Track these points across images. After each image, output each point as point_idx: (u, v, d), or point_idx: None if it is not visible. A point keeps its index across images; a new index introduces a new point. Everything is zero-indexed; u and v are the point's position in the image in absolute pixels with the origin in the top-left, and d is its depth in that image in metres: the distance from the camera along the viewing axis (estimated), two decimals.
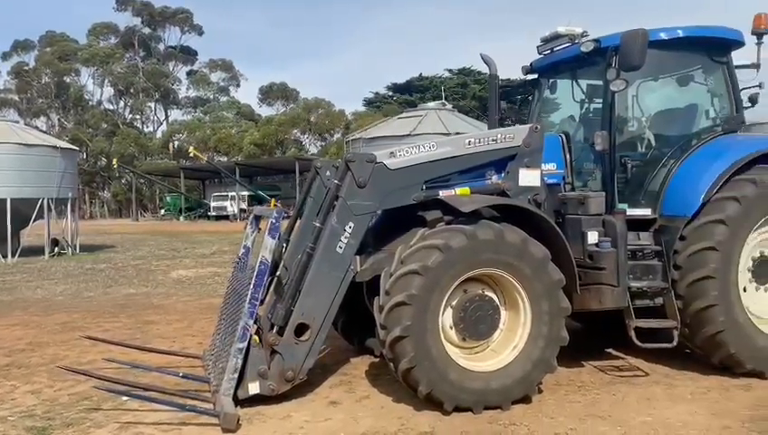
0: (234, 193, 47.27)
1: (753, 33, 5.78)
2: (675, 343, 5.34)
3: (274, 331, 4.85)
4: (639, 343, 5.26)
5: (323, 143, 61.79)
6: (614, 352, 6.34)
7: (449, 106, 22.54)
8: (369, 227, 5.45)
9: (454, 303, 4.83)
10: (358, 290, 5.57)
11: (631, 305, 5.33)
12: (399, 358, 4.57)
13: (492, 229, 4.72)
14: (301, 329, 4.85)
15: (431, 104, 22.99)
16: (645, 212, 5.68)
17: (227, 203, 47.90)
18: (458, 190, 5.29)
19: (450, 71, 55.62)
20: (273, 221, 4.88)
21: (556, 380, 5.36)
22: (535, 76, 6.84)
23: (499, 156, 5.46)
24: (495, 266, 4.75)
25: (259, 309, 5.32)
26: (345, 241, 4.95)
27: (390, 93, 57.88)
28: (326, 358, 6.32)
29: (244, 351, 4.71)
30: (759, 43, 5.80)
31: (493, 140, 5.44)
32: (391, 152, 5.17)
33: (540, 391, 5.02)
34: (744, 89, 5.96)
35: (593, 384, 5.37)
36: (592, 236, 5.30)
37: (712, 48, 5.87)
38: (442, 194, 5.19)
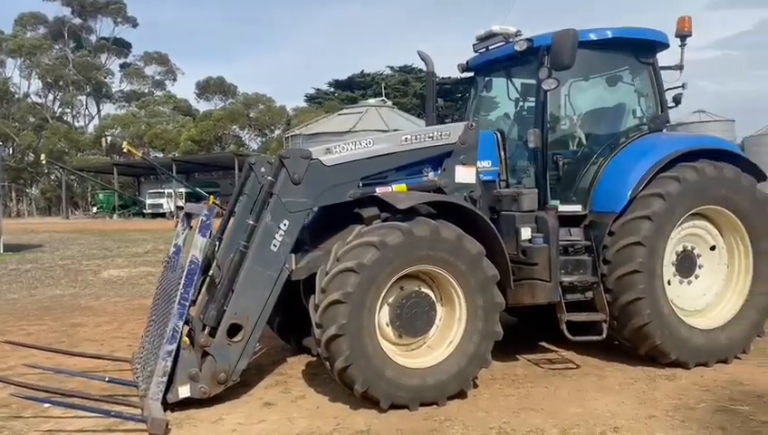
0: (170, 190, 46.00)
1: (677, 36, 6.01)
2: (604, 336, 5.50)
3: (206, 332, 4.71)
4: (571, 337, 5.39)
5: (264, 139, 60.94)
6: (547, 346, 6.48)
7: (390, 103, 22.60)
8: (305, 224, 5.37)
9: (390, 300, 4.81)
10: (294, 289, 5.49)
11: (563, 300, 5.45)
12: (335, 357, 4.52)
13: (428, 226, 4.72)
14: (234, 329, 4.73)
15: (372, 101, 22.99)
16: (576, 208, 5.82)
17: (164, 200, 46.53)
18: (395, 187, 5.28)
19: (392, 68, 55.81)
20: (204, 219, 4.74)
21: (491, 374, 5.43)
22: (471, 74, 6.91)
23: (435, 153, 5.48)
24: (431, 263, 4.76)
25: (191, 309, 5.17)
26: (280, 239, 4.85)
27: (332, 90, 57.56)
28: (262, 358, 6.22)
29: (173, 353, 4.55)
30: (682, 46, 6.03)
31: (429, 137, 5.45)
32: (327, 148, 5.11)
33: (475, 386, 5.07)
34: (668, 89, 6.20)
35: (527, 377, 5.47)
36: (525, 232, 5.39)
37: (639, 49, 6.06)
38: (378, 191, 5.17)
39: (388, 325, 4.83)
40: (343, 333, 4.44)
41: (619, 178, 5.66)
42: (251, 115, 60.62)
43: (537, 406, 4.74)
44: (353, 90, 53.93)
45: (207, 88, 68.62)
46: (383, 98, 23.87)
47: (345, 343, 4.45)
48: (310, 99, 59.35)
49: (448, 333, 4.93)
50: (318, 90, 58.83)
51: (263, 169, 5.39)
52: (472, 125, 5.56)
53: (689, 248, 5.96)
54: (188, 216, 5.53)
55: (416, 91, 50.96)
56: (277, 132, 57.83)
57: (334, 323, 4.46)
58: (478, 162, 5.67)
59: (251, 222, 4.88)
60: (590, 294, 5.65)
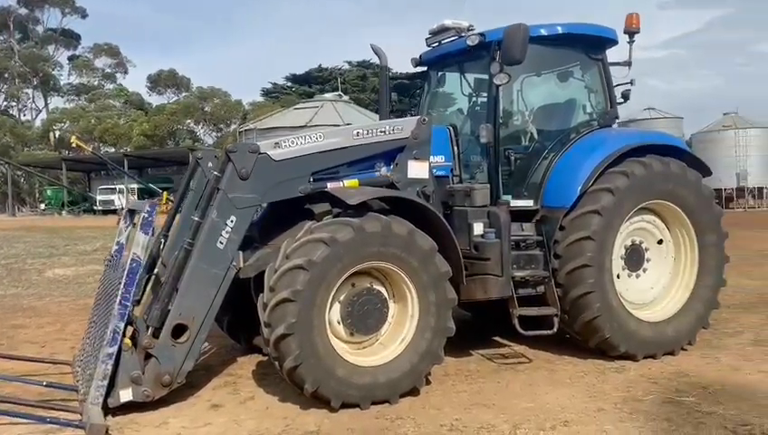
0: (122, 186, 44.82)
1: (625, 32, 6.08)
2: (555, 330, 5.54)
3: (149, 333, 4.53)
4: (522, 331, 5.41)
5: (219, 134, 59.88)
6: (500, 340, 6.50)
7: (346, 98, 22.44)
8: (254, 221, 5.25)
9: (341, 297, 4.73)
10: (244, 287, 5.35)
11: (515, 294, 5.46)
12: (284, 356, 4.41)
13: (379, 222, 4.65)
14: (178, 330, 4.57)
15: (328, 95, 22.80)
16: (527, 203, 5.84)
17: (115, 197, 45.35)
18: (347, 182, 5.19)
19: (350, 63, 55.56)
20: (146, 215, 4.56)
21: (444, 370, 5.41)
22: (425, 69, 6.86)
23: (388, 148, 5.42)
24: (383, 259, 4.69)
25: (135, 310, 4.98)
26: (226, 236, 4.70)
27: (289, 84, 56.97)
28: (211, 358, 6.06)
29: (114, 356, 4.37)
30: (631, 42, 6.11)
31: (381, 132, 5.38)
32: (276, 143, 4.98)
33: (428, 382, 5.03)
34: (617, 85, 6.27)
35: (480, 373, 5.46)
36: (478, 228, 5.37)
37: (589, 45, 6.12)
38: (330, 186, 5.06)
39: (339, 323, 4.75)
40: (292, 333, 4.34)
41: (569, 174, 5.70)
42: (206, 109, 59.48)
43: (489, 401, 4.73)
44: (311, 84, 53.50)
45: (159, 81, 67.00)
46: (339, 93, 23.68)
47: (294, 342, 4.35)
48: (266, 93, 58.62)
49: (401, 330, 4.88)
50: (275, 84, 58.16)
51: (210, 164, 5.23)
52: (425, 120, 5.51)
53: (637, 242, 6.05)
54: (131, 212, 5.32)
55: (374, 87, 50.77)
56: (233, 127, 56.91)
57: (283, 323, 4.35)
58: (431, 157, 5.63)
59: (196, 219, 4.71)
60: (541, 289, 5.68)
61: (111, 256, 5.42)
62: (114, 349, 4.37)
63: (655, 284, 6.13)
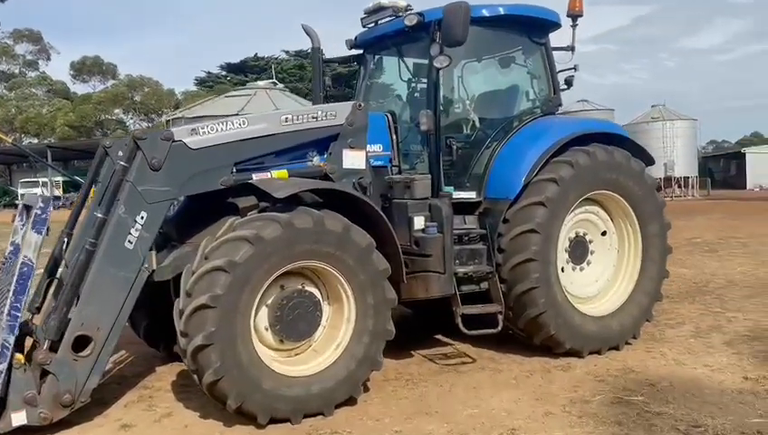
0: (46, 179, 42.38)
1: (568, 16, 5.84)
2: (500, 328, 5.26)
3: (45, 346, 3.95)
4: (466, 331, 5.10)
5: (150, 124, 57.55)
6: (443, 338, 6.20)
7: (281, 86, 21.73)
8: (170, 216, 4.72)
9: (269, 301, 4.27)
10: (164, 289, 4.81)
11: (458, 292, 5.14)
12: (203, 369, 3.92)
13: (310, 217, 4.21)
14: (81, 342, 4.00)
15: (261, 83, 22.01)
16: (470, 195, 5.53)
17: (38, 190, 42.78)
18: (275, 173, 4.72)
19: (287, 52, 54.34)
20: (39, 212, 3.97)
21: (384, 375, 5.04)
22: (360, 51, 6.44)
23: (320, 135, 4.97)
24: (315, 258, 4.26)
25: (35, 319, 4.39)
26: (136, 234, 4.16)
27: (224, 73, 55.27)
28: (126, 369, 5.50)
29: (4, 374, 3.78)
30: (574, 26, 5.88)
31: (313, 118, 4.93)
32: (193, 129, 4.45)
33: (366, 390, 4.65)
34: (560, 71, 6.04)
35: (421, 376, 5.12)
36: (419, 222, 5.01)
37: (531, 29, 5.84)
38: (255, 178, 4.58)
39: (267, 330, 4.29)
40: (212, 343, 3.86)
41: (512, 164, 5.42)
42: (135, 99, 57.05)
43: (431, 409, 4.39)
44: (246, 73, 52.02)
45: (84, 68, 63.72)
46: (273, 80, 22.90)
47: (214, 353, 3.87)
48: (200, 82, 56.66)
49: (336, 335, 4.47)
50: (209, 73, 56.29)
51: (120, 154, 4.64)
52: (360, 105, 5.09)
53: (582, 234, 5.85)
54: (27, 208, 4.68)
55: (311, 77, 49.90)
56: (165, 117, 54.84)
57: (201, 332, 3.86)
58: (368, 146, 5.24)
59: (100, 215, 4.15)
60: (485, 285, 5.39)
61: (6, 259, 4.76)
62: (3, 366, 3.79)
63: (599, 277, 5.95)
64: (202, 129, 4.46)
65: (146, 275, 4.24)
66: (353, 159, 5.04)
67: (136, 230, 4.16)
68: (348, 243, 4.32)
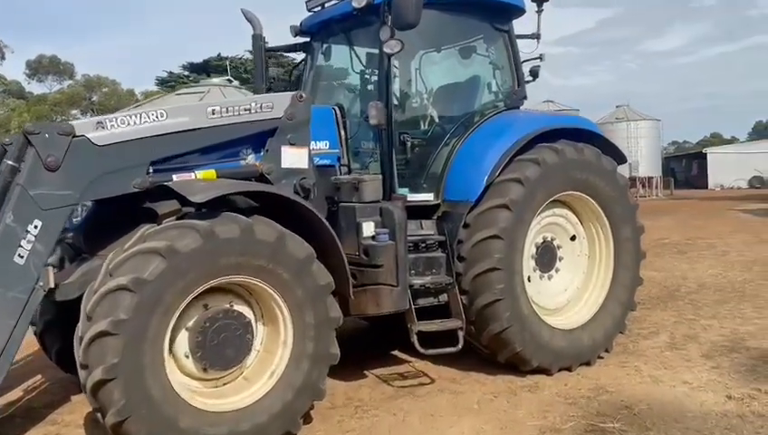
0: None
1: (533, 0, 5.35)
2: (460, 346, 4.72)
3: None
4: (423, 350, 4.55)
5: None
6: (400, 355, 5.64)
7: (236, 83, 20.89)
8: (80, 224, 4.07)
9: (190, 324, 3.65)
10: (78, 307, 4.14)
11: (413, 306, 4.59)
12: (106, 408, 3.28)
13: (237, 225, 3.60)
14: None
15: (215, 80, 21.16)
16: (427, 197, 4.99)
17: None
18: (200, 174, 4.10)
19: (250, 51, 53.14)
20: None
21: (331, 401, 4.45)
22: (307, 39, 5.84)
23: (255, 130, 4.37)
24: (244, 272, 3.66)
25: None
26: (28, 247, 3.49)
27: (186, 73, 53.80)
28: (36, 398, 4.81)
29: None
30: (539, 11, 5.40)
31: (246, 110, 4.32)
32: (99, 122, 3.81)
33: (308, 421, 4.07)
34: (525, 61, 5.55)
35: (373, 402, 4.55)
36: (368, 228, 4.44)
37: (494, 14, 5.33)
38: (176, 179, 3.96)
39: (187, 357, 3.67)
40: (114, 377, 3.22)
41: (473, 162, 4.90)
42: (93, 99, 55.28)
43: None
44: (209, 73, 50.65)
45: (40, 68, 61.49)
46: (228, 77, 22.05)
47: (117, 389, 3.23)
48: (161, 82, 54.95)
49: (270, 361, 3.87)
50: (171, 73, 54.70)
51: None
52: (301, 96, 4.50)
53: (549, 239, 5.37)
54: None
55: (276, 76, 48.92)
56: None
57: (101, 364, 3.22)
58: (312, 143, 4.67)
59: None
60: (444, 298, 4.85)
61: None
62: None
63: (568, 285, 5.47)
64: (110, 122, 3.81)
65: (41, 295, 3.58)
66: (294, 158, 4.45)
67: (28, 242, 3.49)
68: (283, 254, 3.73)
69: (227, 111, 4.23)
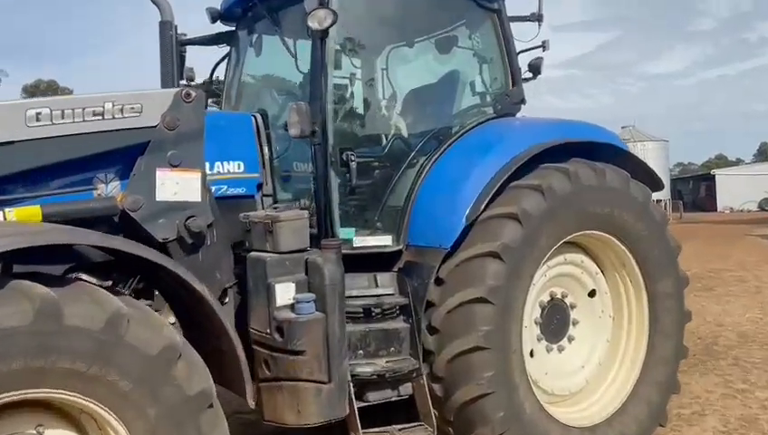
0: None
1: None
2: None
3: None
4: None
5: None
6: None
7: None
8: None
9: None
10: None
11: (357, 408, 3.06)
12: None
13: (29, 302, 2.10)
14: None
15: None
16: (382, 241, 3.49)
17: None
18: (13, 212, 2.61)
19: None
20: None
21: None
22: (232, 27, 4.39)
23: (112, 145, 2.90)
24: (44, 383, 2.15)
25: None
26: None
27: None
28: None
29: None
30: None
31: (96, 115, 2.84)
32: None
33: None
34: (522, 51, 4.08)
35: None
36: (283, 292, 2.92)
37: None
38: None
39: None
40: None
41: (448, 190, 3.41)
42: None
43: None
44: None
45: (37, 92, 60.73)
46: None
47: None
48: None
49: None
50: None
51: None
52: (189, 94, 3.03)
53: (559, 296, 3.86)
54: None
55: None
56: None
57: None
58: (222, 164, 3.24)
59: None
60: (407, 390, 3.32)
61: None
62: None
63: (586, 360, 3.96)
64: None
65: None
66: (175, 186, 2.97)
67: None
68: (117, 350, 2.22)
69: (62, 117, 2.76)
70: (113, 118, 2.86)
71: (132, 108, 2.90)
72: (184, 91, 3.02)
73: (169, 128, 2.96)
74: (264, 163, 3.52)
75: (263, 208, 3.42)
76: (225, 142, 3.35)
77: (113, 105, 2.87)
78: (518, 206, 3.33)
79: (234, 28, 4.36)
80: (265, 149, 3.54)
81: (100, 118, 2.83)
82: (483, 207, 3.29)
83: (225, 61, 4.43)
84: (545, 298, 3.82)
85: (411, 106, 4.22)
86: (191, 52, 4.50)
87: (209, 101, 4.46)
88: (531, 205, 3.36)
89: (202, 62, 4.65)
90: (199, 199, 3.02)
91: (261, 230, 3.07)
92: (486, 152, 3.51)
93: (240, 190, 3.41)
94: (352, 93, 3.97)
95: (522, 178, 3.47)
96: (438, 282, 3.32)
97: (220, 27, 4.39)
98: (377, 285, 3.41)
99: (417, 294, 3.34)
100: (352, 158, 3.35)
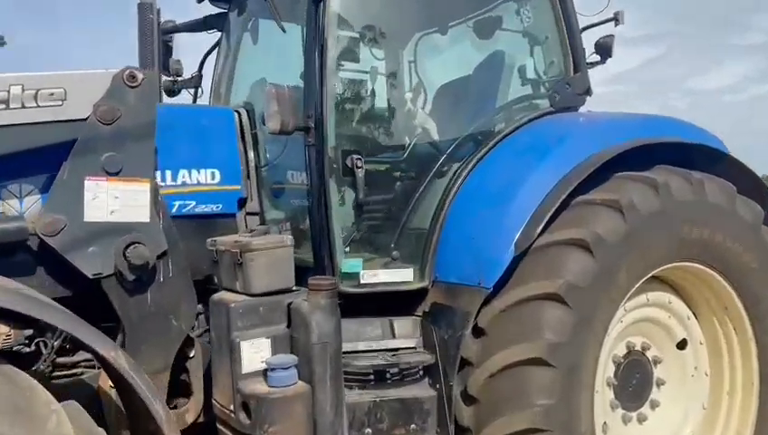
0: None
1: None
2: None
3: None
4: None
5: None
6: None
7: None
8: None
9: None
10: None
11: None
12: None
13: None
14: None
15: None
16: (401, 277, 2.59)
17: None
18: None
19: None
20: None
21: None
22: (224, 9, 3.61)
23: (22, 144, 2.12)
24: None
25: None
26: None
27: None
28: None
29: None
30: None
31: None
32: None
33: None
34: (586, 28, 3.16)
35: None
36: (252, 353, 2.07)
37: None
38: None
39: None
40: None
41: (491, 208, 2.52)
42: None
43: None
44: None
45: None
46: None
47: None
48: None
49: None
50: None
51: None
52: (134, 76, 2.22)
53: (638, 348, 2.90)
54: None
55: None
56: None
57: None
58: (189, 173, 2.47)
59: None
60: None
61: None
62: None
63: (678, 430, 2.95)
64: None
65: None
66: (114, 202, 2.18)
67: None
68: None
69: None
70: (23, 107, 2.07)
71: (52, 94, 2.11)
72: (127, 72, 2.21)
73: (105, 121, 2.16)
74: (248, 172, 2.70)
75: (246, 231, 2.59)
76: (195, 144, 2.57)
77: (23, 90, 2.08)
78: (588, 229, 2.40)
79: (225, 10, 3.58)
80: (251, 154, 2.73)
81: (4, 107, 2.05)
82: (539, 230, 2.37)
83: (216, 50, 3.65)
84: (620, 351, 2.87)
85: (442, 102, 3.39)
86: (181, 42, 3.79)
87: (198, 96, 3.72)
88: (605, 228, 2.43)
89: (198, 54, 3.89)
90: (147, 220, 2.20)
91: (228, 263, 2.22)
92: (542, 157, 2.60)
93: (214, 207, 2.61)
94: (369, 89, 3.14)
95: (591, 192, 2.55)
96: (477, 333, 2.42)
97: (209, 9, 3.62)
98: (393, 336, 2.53)
99: (448, 349, 2.44)
100: (359, 163, 2.47)
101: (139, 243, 2.15)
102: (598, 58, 3.13)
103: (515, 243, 2.37)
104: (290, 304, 2.12)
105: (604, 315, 2.51)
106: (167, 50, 3.62)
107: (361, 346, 2.44)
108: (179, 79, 3.74)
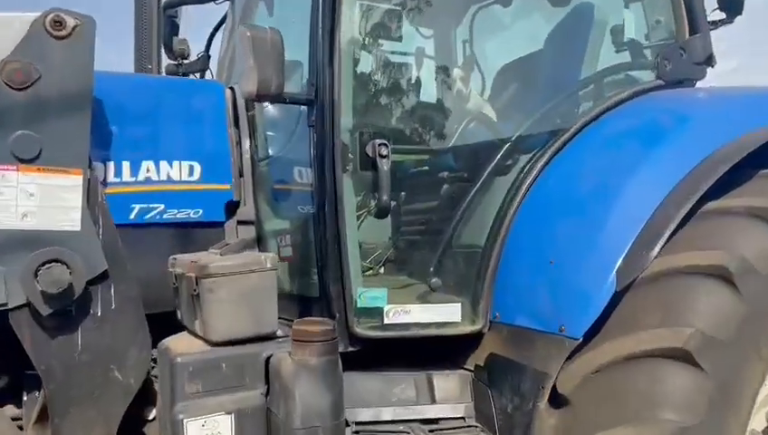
0: None
1: None
2: None
3: None
4: None
5: None
6: None
7: None
8: None
9: None
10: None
11: None
12: None
13: None
14: None
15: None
16: (444, 316, 1.80)
17: None
18: None
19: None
20: None
21: None
22: None
23: None
24: None
25: None
26: None
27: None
28: None
29: None
30: None
31: None
32: None
33: None
34: None
35: None
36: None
37: None
38: None
39: None
40: None
41: (577, 221, 1.71)
42: None
43: None
44: None
45: None
46: None
47: None
48: None
49: None
50: None
51: None
52: (61, 21, 1.56)
53: None
54: None
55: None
56: None
57: None
58: (157, 166, 1.89)
59: None
60: None
61: None
62: None
63: None
64: None
65: None
66: (26, 202, 1.51)
67: None
68: None
69: None
70: None
71: None
72: (50, 17, 1.55)
73: (16, 85, 1.52)
74: (241, 167, 2.00)
75: (230, 245, 1.88)
76: (167, 126, 1.89)
77: None
78: (728, 251, 1.58)
79: None
80: (246, 144, 2.03)
81: None
82: (654, 254, 1.55)
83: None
84: (759, 425, 1.99)
85: (504, 85, 2.61)
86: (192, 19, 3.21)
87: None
88: (755, 249, 1.60)
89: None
90: (77, 228, 1.53)
91: (185, 293, 1.50)
92: (652, 146, 1.79)
93: (192, 213, 1.93)
94: (408, 70, 2.41)
95: (725, 196, 1.72)
96: (558, 403, 1.62)
97: None
98: (432, 400, 1.76)
99: (513, 425, 1.64)
100: (384, 152, 1.71)
101: (57, 261, 1.48)
102: (723, 15, 2.28)
103: (617, 271, 1.56)
104: (269, 358, 1.38)
105: (752, 382, 1.66)
106: (172, 27, 3.02)
107: (386, 415, 1.69)
108: (185, 62, 3.12)
